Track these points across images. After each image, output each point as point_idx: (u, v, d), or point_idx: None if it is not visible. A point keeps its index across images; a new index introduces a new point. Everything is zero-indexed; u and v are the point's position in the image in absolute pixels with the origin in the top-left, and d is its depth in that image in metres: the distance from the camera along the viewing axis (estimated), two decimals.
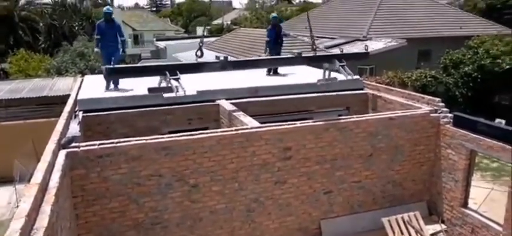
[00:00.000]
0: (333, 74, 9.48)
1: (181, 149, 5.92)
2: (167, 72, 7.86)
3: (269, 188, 6.63)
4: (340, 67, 9.17)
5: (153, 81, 8.31)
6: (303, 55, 9.48)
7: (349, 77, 9.30)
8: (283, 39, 10.61)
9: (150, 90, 7.58)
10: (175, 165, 5.94)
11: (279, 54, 10.12)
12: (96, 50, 8.64)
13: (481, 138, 6.69)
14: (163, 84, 7.94)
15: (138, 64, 8.12)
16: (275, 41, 9.99)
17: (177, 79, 7.83)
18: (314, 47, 9.69)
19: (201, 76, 8.94)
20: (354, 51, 17.15)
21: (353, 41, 19.62)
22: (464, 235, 7.19)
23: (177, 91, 7.72)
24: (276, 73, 10.24)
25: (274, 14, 10.97)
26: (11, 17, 27.00)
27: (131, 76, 8.54)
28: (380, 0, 23.03)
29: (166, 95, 7.75)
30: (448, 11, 25.81)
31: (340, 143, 6.93)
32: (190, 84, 9.04)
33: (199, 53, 8.55)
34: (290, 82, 9.48)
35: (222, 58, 8.70)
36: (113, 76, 7.94)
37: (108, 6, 9.14)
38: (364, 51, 9.56)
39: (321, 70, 9.98)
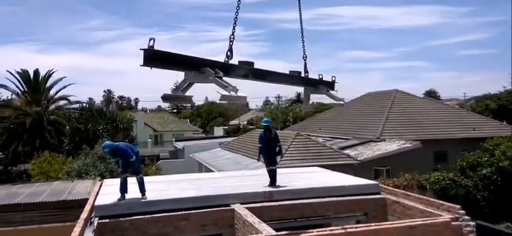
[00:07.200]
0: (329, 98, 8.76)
1: None
2: (209, 69, 6.24)
3: None
4: (327, 91, 8.57)
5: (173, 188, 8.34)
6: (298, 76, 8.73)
7: (336, 102, 8.83)
8: (281, 146, 10.12)
9: (164, 97, 6.53)
10: None
11: (274, 162, 9.55)
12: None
13: None
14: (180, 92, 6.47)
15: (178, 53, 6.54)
16: (268, 146, 9.45)
17: (220, 78, 6.31)
18: (305, 68, 9.02)
19: (213, 179, 8.87)
20: (369, 153, 17.25)
21: (367, 142, 19.85)
22: None
23: (231, 90, 6.15)
24: (273, 185, 9.37)
25: (265, 119, 10.73)
26: (40, 120, 28.55)
27: (170, 67, 7.34)
28: (391, 103, 23.77)
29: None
30: (460, 113, 26.24)
31: None
32: (204, 188, 9.15)
33: (229, 53, 6.98)
34: (305, 186, 9.46)
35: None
36: (151, 63, 6.84)
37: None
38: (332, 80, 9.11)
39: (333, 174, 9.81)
